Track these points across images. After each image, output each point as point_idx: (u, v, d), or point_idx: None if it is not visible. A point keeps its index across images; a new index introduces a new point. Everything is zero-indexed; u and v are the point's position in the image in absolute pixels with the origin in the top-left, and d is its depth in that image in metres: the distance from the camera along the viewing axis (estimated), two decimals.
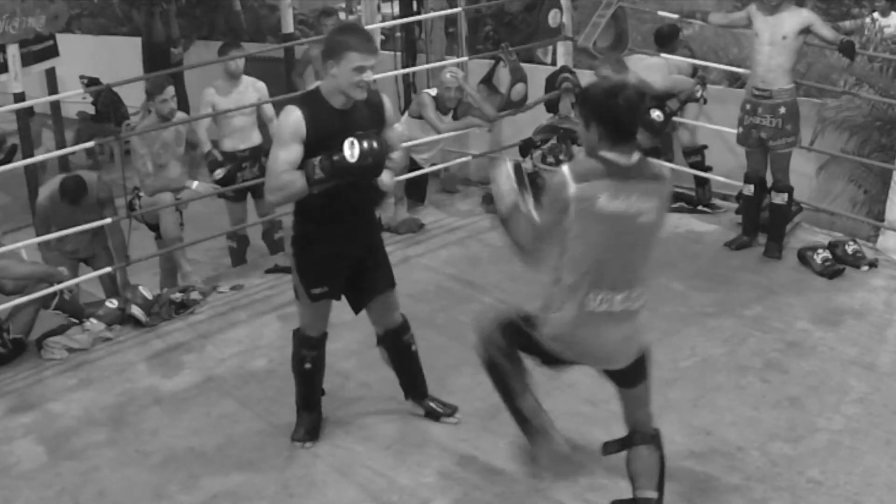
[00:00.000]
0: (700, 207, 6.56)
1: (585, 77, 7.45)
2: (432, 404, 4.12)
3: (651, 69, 6.34)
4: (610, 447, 3.36)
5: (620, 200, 2.96)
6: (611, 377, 3.27)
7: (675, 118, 6.34)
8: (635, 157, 3.03)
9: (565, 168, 3.02)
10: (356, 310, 3.95)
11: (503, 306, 3.37)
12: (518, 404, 3.33)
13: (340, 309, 4.02)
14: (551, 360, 3.24)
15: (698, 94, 6.33)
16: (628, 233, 3.01)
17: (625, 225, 2.99)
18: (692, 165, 6.65)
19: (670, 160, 6.59)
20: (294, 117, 3.48)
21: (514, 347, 3.28)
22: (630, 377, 3.23)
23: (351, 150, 3.38)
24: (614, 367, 3.21)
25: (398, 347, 4.00)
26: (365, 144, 3.39)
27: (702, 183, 6.63)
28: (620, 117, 2.99)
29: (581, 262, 3.02)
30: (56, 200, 5.63)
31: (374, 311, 3.93)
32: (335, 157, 3.39)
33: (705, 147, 6.61)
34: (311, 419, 4.06)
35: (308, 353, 3.95)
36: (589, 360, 3.21)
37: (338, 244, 3.70)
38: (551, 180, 3.03)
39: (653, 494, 3.22)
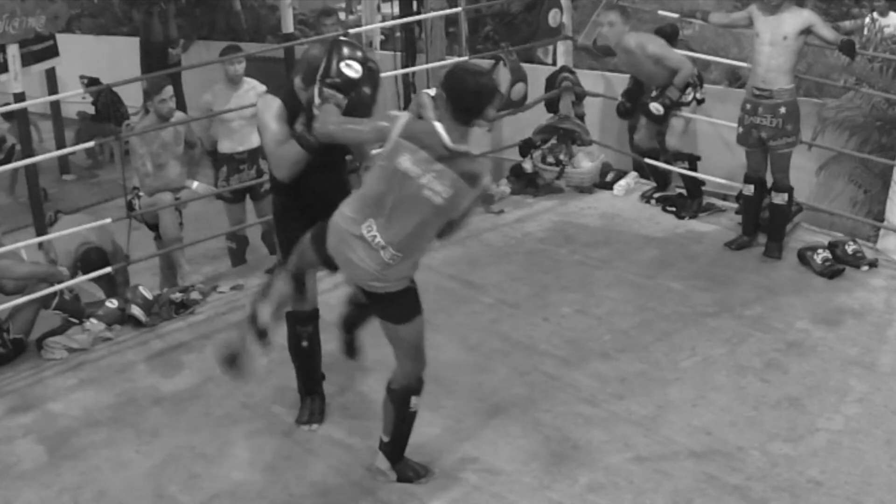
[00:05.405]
0: (686, 218, 6.37)
1: (585, 77, 7.47)
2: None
3: (649, 38, 6.26)
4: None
5: (416, 167, 3.24)
6: (368, 299, 3.55)
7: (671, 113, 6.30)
8: (461, 146, 3.26)
9: (405, 116, 3.33)
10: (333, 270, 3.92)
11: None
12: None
13: (337, 309, 4.03)
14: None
15: (689, 98, 6.27)
16: (409, 195, 3.26)
17: (409, 187, 3.25)
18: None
19: (669, 161, 6.56)
20: (277, 103, 3.79)
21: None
22: (380, 307, 3.51)
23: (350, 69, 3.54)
24: (353, 279, 3.49)
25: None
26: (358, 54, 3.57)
27: (694, 195, 6.44)
28: (465, 95, 3.24)
29: (367, 194, 3.34)
30: (76, 267, 5.69)
31: None
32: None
33: (698, 158, 6.43)
34: (314, 401, 4.17)
35: (303, 330, 4.01)
36: (339, 261, 3.45)
37: (309, 216, 3.71)
38: (390, 120, 3.34)
39: (385, 438, 3.73)
